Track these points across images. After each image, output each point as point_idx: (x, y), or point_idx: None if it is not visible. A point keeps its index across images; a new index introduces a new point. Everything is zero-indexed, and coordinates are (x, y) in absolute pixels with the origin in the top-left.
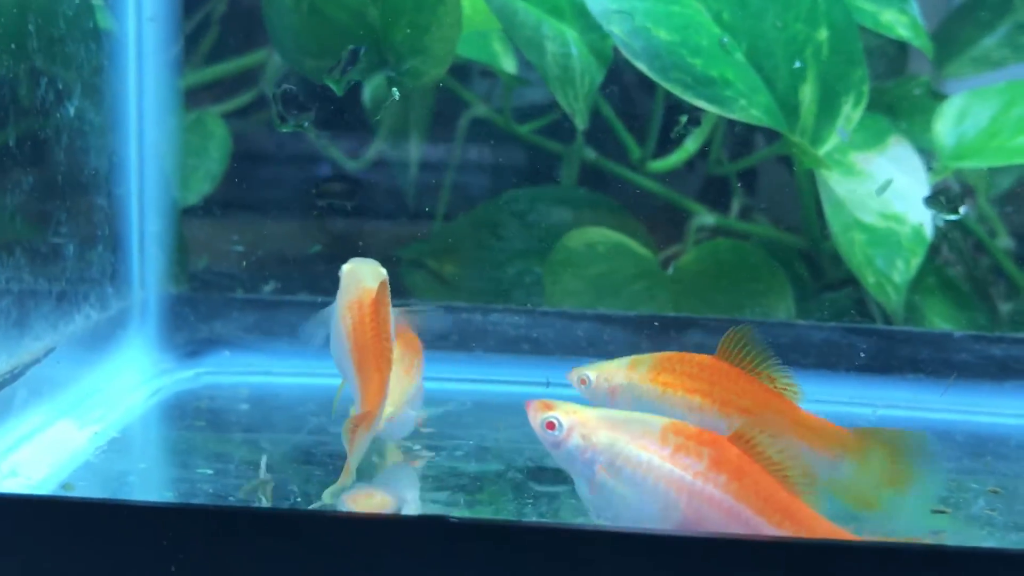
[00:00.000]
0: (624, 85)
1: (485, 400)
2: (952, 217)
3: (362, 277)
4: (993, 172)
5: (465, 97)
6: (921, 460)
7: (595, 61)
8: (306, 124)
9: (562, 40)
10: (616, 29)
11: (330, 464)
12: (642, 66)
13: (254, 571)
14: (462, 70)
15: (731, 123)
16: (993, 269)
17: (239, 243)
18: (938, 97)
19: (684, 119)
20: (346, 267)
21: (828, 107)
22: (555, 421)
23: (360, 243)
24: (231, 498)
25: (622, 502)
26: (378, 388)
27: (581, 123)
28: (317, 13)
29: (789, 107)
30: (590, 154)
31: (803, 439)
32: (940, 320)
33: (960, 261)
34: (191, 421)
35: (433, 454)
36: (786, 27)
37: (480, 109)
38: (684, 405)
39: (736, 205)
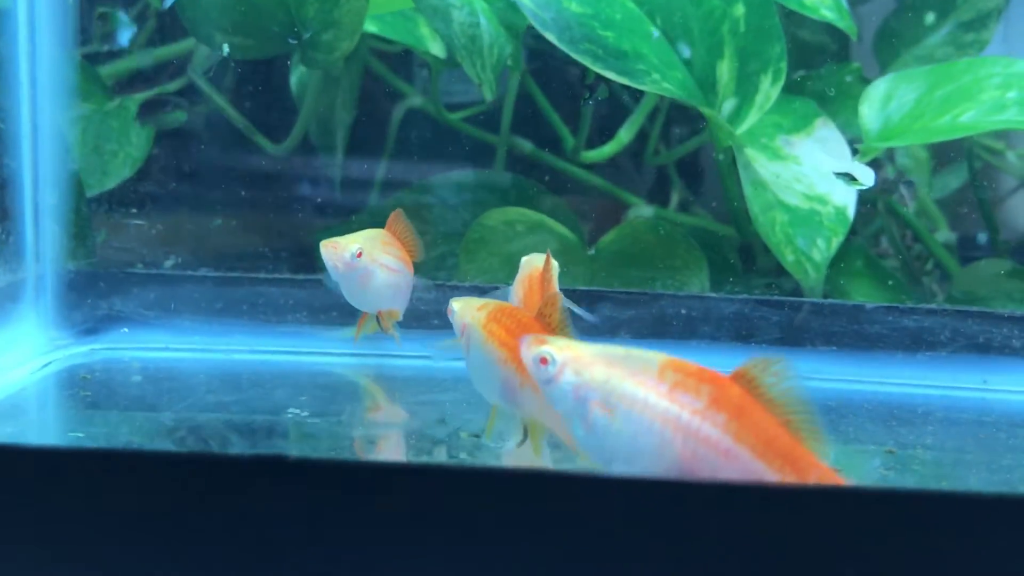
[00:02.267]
0: (559, 74)
1: (390, 375)
2: (858, 187)
3: (535, 263)
4: (938, 169)
5: (397, 86)
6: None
7: (505, 32)
8: None
9: (470, 9)
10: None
11: (205, 429)
12: (551, 37)
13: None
14: (400, 59)
15: (669, 113)
16: (925, 257)
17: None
18: (868, 82)
19: (603, 92)
20: (524, 257)
21: (746, 84)
22: (548, 356)
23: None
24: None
25: (616, 441)
26: None
27: (489, 93)
28: None
29: (707, 84)
30: (526, 145)
31: None
32: (863, 300)
33: (896, 252)
34: (76, 391)
35: (318, 421)
36: (702, 2)
37: (416, 99)
38: (495, 356)
39: (676, 197)
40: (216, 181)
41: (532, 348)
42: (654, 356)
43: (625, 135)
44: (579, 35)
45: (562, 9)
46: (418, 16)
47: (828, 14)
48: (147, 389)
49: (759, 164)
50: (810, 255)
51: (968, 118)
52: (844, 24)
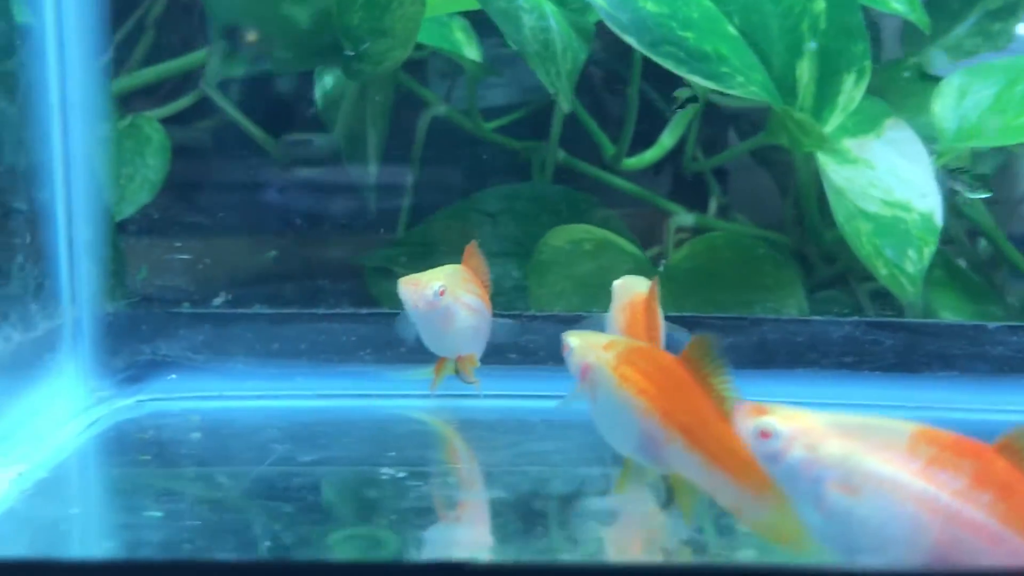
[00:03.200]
0: (595, 79)
1: (474, 418)
2: (981, 196)
3: (633, 287)
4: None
5: (423, 95)
6: None
7: (577, 36)
8: None
9: (540, 13)
10: (600, 0)
11: (299, 499)
12: (630, 39)
13: None
14: (418, 66)
15: (705, 119)
16: (994, 258)
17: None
18: (929, 79)
19: (685, 93)
20: (617, 282)
21: (828, 85)
22: (772, 429)
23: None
24: (186, 546)
25: (860, 528)
26: None
27: (566, 104)
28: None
29: (786, 86)
30: (559, 153)
31: (728, 471)
32: (950, 314)
33: (960, 251)
34: (134, 456)
35: (421, 483)
36: None
37: (441, 108)
38: (631, 405)
39: (713, 204)
40: (245, 203)
41: (751, 419)
42: (901, 426)
43: (668, 140)
44: (658, 37)
45: (638, 9)
46: (452, 20)
47: (899, 7)
48: (212, 447)
49: (831, 170)
50: (903, 267)
51: None
52: (916, 17)
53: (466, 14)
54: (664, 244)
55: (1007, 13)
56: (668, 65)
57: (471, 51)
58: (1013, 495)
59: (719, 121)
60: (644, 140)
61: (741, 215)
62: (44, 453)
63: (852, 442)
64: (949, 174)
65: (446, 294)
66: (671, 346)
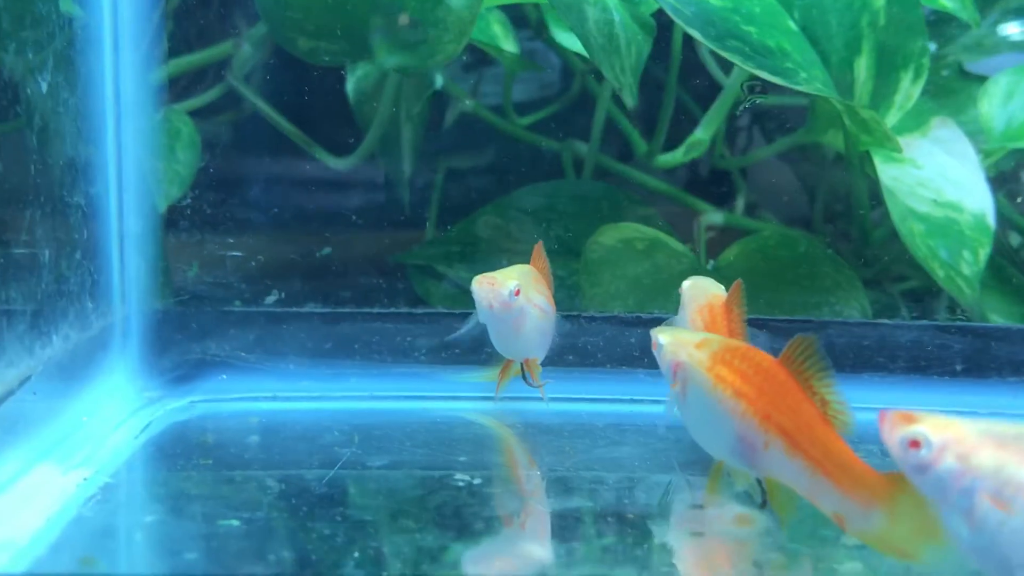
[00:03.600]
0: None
1: (537, 422)
2: None
3: (706, 288)
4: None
5: (453, 90)
6: None
7: (640, 30)
8: None
9: (603, 5)
10: None
11: (378, 506)
12: (695, 33)
13: None
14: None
15: (731, 117)
16: None
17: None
18: (968, 77)
19: (755, 86)
20: (687, 283)
21: (885, 82)
22: (923, 438)
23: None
24: (271, 557)
25: (1014, 543)
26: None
27: (630, 99)
28: None
29: (843, 82)
30: (581, 149)
31: (833, 478)
32: (999, 317)
33: (1003, 252)
34: (195, 460)
35: (499, 490)
36: None
37: (471, 103)
38: (729, 407)
39: (741, 202)
40: (281, 199)
41: (900, 428)
42: None
43: (704, 135)
44: (723, 31)
45: (702, 3)
46: (490, 14)
47: (949, 4)
48: (275, 450)
49: (879, 169)
50: (959, 269)
51: None
52: (967, 14)
53: (506, 9)
54: (695, 242)
55: None
56: (734, 60)
57: (508, 44)
58: None
59: (745, 119)
60: (670, 138)
61: (768, 213)
62: (104, 457)
63: (1006, 453)
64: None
65: (520, 294)
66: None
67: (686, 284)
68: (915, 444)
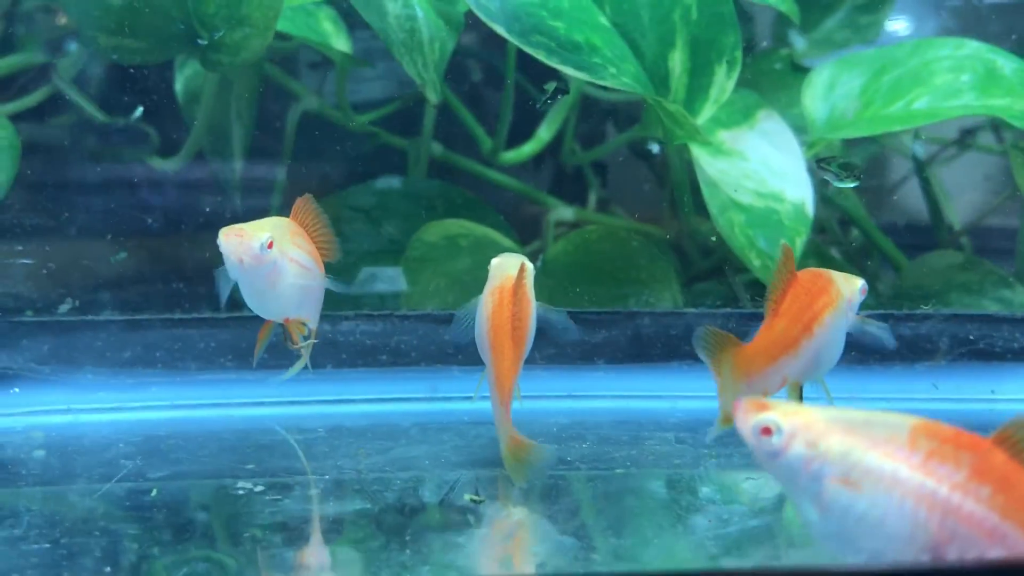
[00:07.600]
0: (472, 72)
1: (340, 425)
2: (849, 185)
3: (507, 267)
4: (848, 147)
5: (292, 87)
6: None
7: (444, 26)
8: None
9: (405, 1)
10: None
11: (147, 519)
12: (499, 29)
13: None
14: (289, 58)
15: (582, 111)
16: (865, 246)
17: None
18: (801, 71)
19: (551, 86)
20: (495, 260)
21: (700, 75)
22: (773, 425)
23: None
24: (29, 573)
25: (858, 524)
26: (511, 367)
27: (433, 95)
28: None
29: (658, 76)
30: (435, 148)
31: None
32: None
33: (833, 240)
34: None
35: (280, 497)
36: None
37: (312, 101)
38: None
39: (593, 197)
40: (104, 204)
41: (752, 415)
42: (901, 420)
43: (545, 133)
44: (529, 26)
45: None
46: (319, 10)
47: None
48: (56, 466)
49: (704, 162)
50: (776, 257)
51: (922, 104)
52: (786, 7)
53: (337, 3)
54: (544, 239)
55: (876, 6)
56: (539, 55)
57: (340, 42)
58: (1012, 488)
59: (597, 115)
60: (524, 134)
61: (620, 208)
62: None
63: (853, 437)
64: (818, 164)
65: (274, 247)
66: (545, 328)
67: (494, 261)
68: (767, 431)
